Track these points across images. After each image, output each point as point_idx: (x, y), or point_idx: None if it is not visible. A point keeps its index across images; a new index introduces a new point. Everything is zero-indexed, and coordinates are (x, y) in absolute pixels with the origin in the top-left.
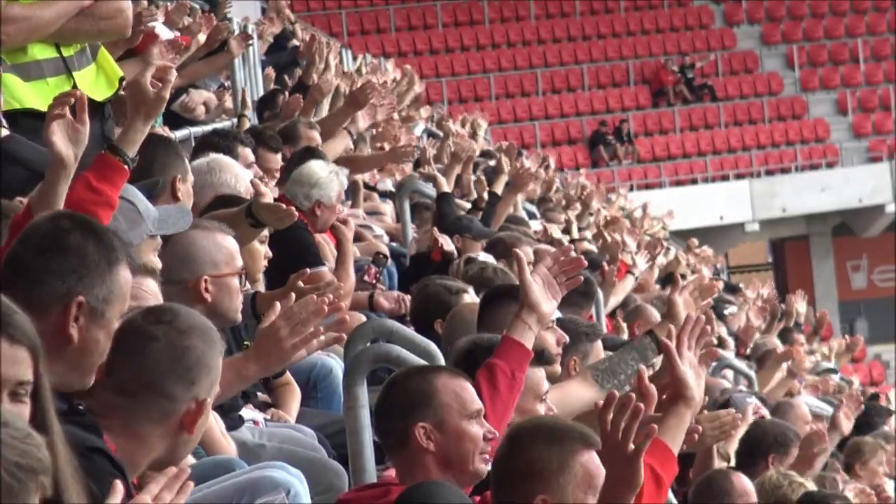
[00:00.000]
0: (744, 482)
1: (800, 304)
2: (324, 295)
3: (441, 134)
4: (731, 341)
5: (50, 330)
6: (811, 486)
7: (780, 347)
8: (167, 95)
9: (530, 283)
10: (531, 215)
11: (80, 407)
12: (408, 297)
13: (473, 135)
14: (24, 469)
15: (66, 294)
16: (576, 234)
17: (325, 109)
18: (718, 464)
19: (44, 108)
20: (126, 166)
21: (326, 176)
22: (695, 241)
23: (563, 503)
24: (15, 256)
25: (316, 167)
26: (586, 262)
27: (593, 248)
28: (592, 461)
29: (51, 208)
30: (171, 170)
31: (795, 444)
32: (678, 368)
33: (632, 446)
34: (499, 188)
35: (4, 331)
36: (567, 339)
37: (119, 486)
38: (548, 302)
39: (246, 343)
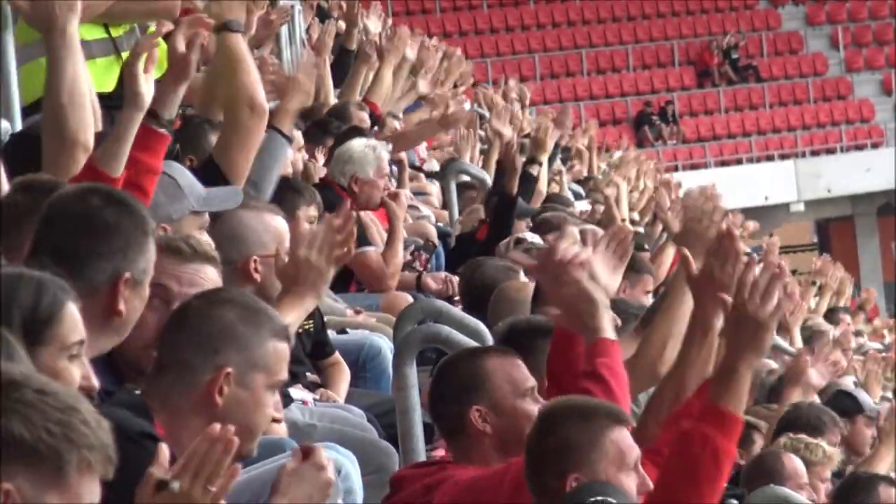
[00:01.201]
0: (795, 462)
1: (847, 285)
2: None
3: (486, 113)
4: None
5: (99, 308)
6: (826, 446)
7: (827, 327)
8: (194, 58)
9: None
10: (577, 195)
11: (136, 392)
12: (455, 278)
13: (522, 107)
14: (56, 437)
15: (114, 273)
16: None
17: (387, 81)
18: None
19: (93, 89)
20: (163, 130)
21: (361, 150)
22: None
23: (596, 480)
24: (52, 240)
25: (352, 143)
26: (632, 232)
27: (639, 229)
28: (623, 438)
29: (121, 150)
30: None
31: (831, 429)
32: None
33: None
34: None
35: (70, 294)
36: (619, 321)
37: (164, 452)
38: (612, 278)
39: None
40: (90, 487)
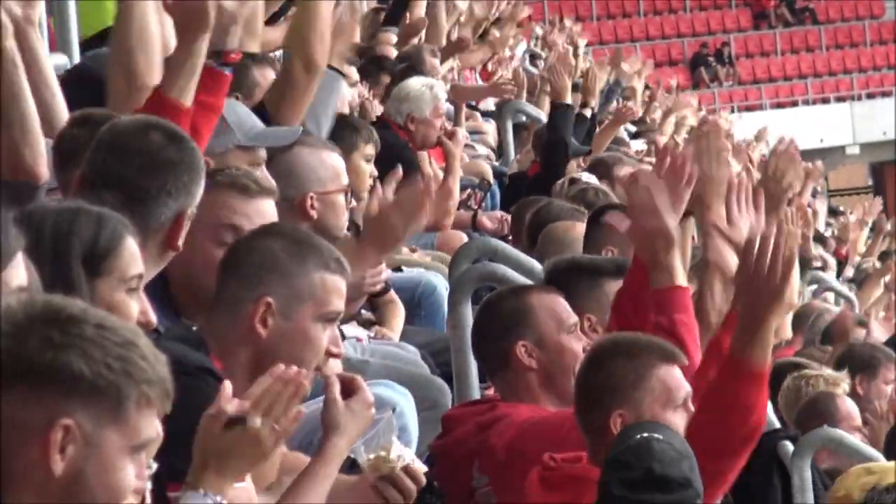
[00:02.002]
0: (848, 405)
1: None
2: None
3: (543, 54)
4: (832, 262)
5: (158, 243)
6: (827, 373)
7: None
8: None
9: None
10: (632, 135)
11: (193, 328)
12: (509, 217)
13: (575, 52)
14: (116, 372)
15: (179, 209)
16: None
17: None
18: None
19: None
20: (223, 69)
21: (418, 89)
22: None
23: (640, 417)
24: (118, 176)
25: (409, 82)
26: (689, 166)
27: None
28: (671, 375)
29: (192, 72)
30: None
31: (885, 365)
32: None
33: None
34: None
35: (129, 228)
36: None
37: (229, 388)
38: (671, 216)
39: None
40: (149, 422)
